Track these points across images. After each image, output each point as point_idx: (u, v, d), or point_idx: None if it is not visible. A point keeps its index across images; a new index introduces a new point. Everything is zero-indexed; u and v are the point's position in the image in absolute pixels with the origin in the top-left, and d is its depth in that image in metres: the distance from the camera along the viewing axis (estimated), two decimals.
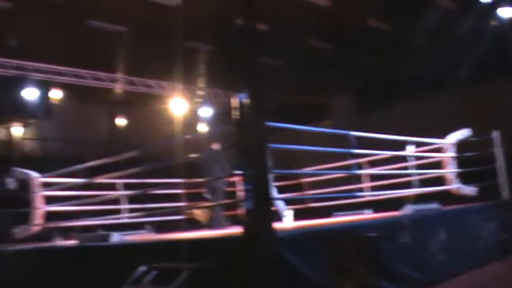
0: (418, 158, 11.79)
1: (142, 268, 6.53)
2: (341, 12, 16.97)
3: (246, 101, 6.12)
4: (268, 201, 5.96)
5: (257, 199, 5.89)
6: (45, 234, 11.48)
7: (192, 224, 13.02)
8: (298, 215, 11.25)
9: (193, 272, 6.03)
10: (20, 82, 18.64)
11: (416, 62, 18.39)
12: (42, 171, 11.43)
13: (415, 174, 11.66)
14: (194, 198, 12.80)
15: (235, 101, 6.29)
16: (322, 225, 8.57)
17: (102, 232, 9.72)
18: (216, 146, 11.52)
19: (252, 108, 6.08)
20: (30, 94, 18.91)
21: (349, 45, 18.56)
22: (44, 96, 19.50)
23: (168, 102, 21.62)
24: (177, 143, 8.13)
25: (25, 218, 10.99)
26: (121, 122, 24.41)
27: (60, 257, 8.80)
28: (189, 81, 20.78)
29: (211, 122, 23.41)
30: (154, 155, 10.49)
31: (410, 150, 11.60)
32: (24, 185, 11.14)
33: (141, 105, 23.10)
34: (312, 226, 8.34)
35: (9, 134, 22.82)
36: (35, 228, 10.94)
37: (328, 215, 12.02)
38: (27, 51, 17.31)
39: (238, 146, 6.53)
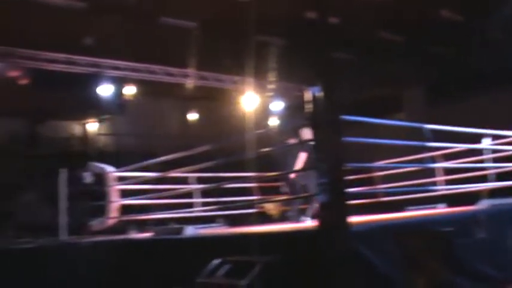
0: (494, 151, 11.52)
1: (215, 261, 6.58)
2: (413, 3, 16.72)
3: (320, 94, 6.10)
4: (343, 194, 5.92)
5: (332, 193, 5.86)
6: (120, 227, 11.72)
7: (264, 218, 13.07)
8: (370, 209, 11.14)
9: (266, 266, 6.04)
10: (95, 79, 19.05)
11: (491, 52, 17.92)
12: (116, 165, 11.67)
13: (491, 168, 11.39)
14: (266, 192, 12.82)
15: (308, 95, 6.27)
16: (395, 219, 8.46)
17: (175, 225, 9.85)
18: (292, 140, 11.48)
19: (325, 101, 6.05)
20: (104, 90, 19.31)
21: (421, 37, 18.26)
22: (118, 92, 19.90)
23: (240, 96, 21.70)
24: (249, 137, 8.16)
25: (101, 211, 11.23)
26: (193, 116, 24.68)
27: (135, 249, 8.95)
28: (260, 75, 20.80)
29: (282, 116, 23.38)
30: (226, 149, 10.56)
31: (486, 143, 11.34)
32: (100, 179, 11.39)
33: (212, 100, 23.31)
34: (385, 220, 8.25)
35: (85, 130, 23.42)
36: (111, 221, 11.17)
37: (401, 209, 11.85)
38: (102, 49, 17.68)
39: (312, 140, 6.51)
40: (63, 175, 11.22)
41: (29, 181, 16.84)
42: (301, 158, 11.08)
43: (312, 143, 6.57)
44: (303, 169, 10.98)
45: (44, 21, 15.75)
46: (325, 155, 6.07)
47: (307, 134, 9.87)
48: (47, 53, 17.57)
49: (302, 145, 10.78)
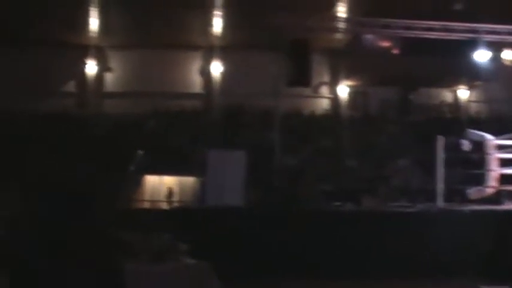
0: None
1: None
2: None
3: None
4: None
5: None
6: (496, 197, 11.40)
7: None
8: None
9: None
10: (469, 45, 18.66)
11: None
12: (491, 133, 11.43)
13: None
14: None
15: None
16: None
17: None
18: None
19: None
20: (479, 56, 18.83)
21: None
22: (494, 57, 19.23)
23: None
24: None
25: (478, 179, 11.07)
26: None
27: None
28: None
29: None
30: None
31: None
32: (479, 146, 11.23)
33: None
34: None
35: (456, 97, 23.24)
36: (489, 191, 10.97)
37: None
38: (478, 13, 17.27)
39: None
40: (440, 142, 11.24)
41: (403, 146, 17.23)
42: None
43: None
44: None
45: None
46: None
47: None
48: (424, 22, 17.66)
49: None
